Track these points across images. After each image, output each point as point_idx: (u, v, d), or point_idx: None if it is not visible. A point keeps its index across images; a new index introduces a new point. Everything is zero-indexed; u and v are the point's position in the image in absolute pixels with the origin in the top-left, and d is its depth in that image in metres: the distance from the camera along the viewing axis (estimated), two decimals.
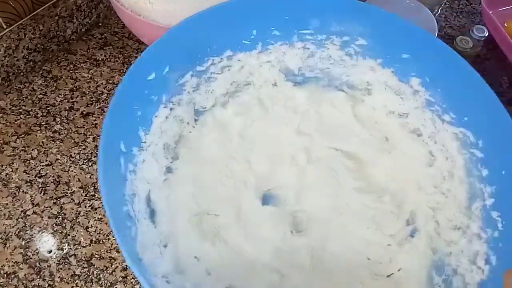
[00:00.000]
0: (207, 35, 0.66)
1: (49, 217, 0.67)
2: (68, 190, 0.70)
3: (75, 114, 0.78)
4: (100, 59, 0.86)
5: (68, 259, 0.64)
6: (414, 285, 0.58)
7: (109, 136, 0.54)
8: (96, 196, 0.70)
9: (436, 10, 0.92)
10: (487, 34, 0.89)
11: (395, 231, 0.63)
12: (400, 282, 0.59)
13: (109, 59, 0.86)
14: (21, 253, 0.64)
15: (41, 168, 0.71)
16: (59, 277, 0.62)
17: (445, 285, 0.57)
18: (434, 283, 0.58)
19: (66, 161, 0.73)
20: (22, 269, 0.62)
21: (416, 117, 0.69)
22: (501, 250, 0.54)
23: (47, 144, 0.74)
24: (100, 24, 0.92)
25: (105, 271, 0.63)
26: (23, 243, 0.64)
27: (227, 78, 0.72)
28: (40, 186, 0.70)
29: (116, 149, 0.56)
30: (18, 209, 0.67)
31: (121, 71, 0.84)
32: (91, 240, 0.65)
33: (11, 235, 0.65)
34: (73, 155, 0.73)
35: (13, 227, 0.66)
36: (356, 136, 0.71)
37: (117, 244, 0.64)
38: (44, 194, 0.69)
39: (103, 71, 0.84)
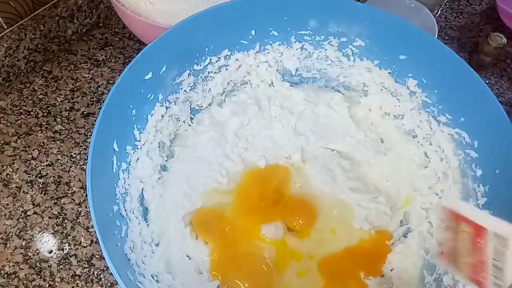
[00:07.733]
0: (205, 35, 0.67)
1: (49, 217, 0.68)
2: (68, 190, 0.70)
3: (75, 114, 0.79)
4: (100, 59, 0.87)
5: (68, 259, 0.64)
6: (406, 285, 0.59)
7: (100, 136, 0.54)
8: None
9: (436, 11, 0.92)
10: None
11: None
12: (393, 282, 0.59)
13: (109, 60, 0.87)
14: (21, 253, 0.64)
15: (42, 169, 0.72)
16: (59, 277, 0.63)
17: (436, 284, 0.57)
18: (426, 282, 0.58)
19: (67, 162, 0.73)
20: (22, 269, 0.63)
21: (412, 118, 0.69)
22: None
23: (47, 145, 0.75)
24: (100, 24, 0.92)
25: (106, 271, 0.64)
26: (23, 243, 0.65)
27: (224, 77, 0.73)
28: (40, 186, 0.70)
29: (108, 148, 0.57)
30: (19, 209, 0.68)
31: (122, 71, 0.84)
32: (92, 241, 0.66)
33: (12, 235, 0.66)
34: (73, 156, 0.74)
35: (13, 227, 0.66)
36: (352, 137, 0.71)
37: None
38: (44, 194, 0.70)
39: (104, 72, 0.85)
